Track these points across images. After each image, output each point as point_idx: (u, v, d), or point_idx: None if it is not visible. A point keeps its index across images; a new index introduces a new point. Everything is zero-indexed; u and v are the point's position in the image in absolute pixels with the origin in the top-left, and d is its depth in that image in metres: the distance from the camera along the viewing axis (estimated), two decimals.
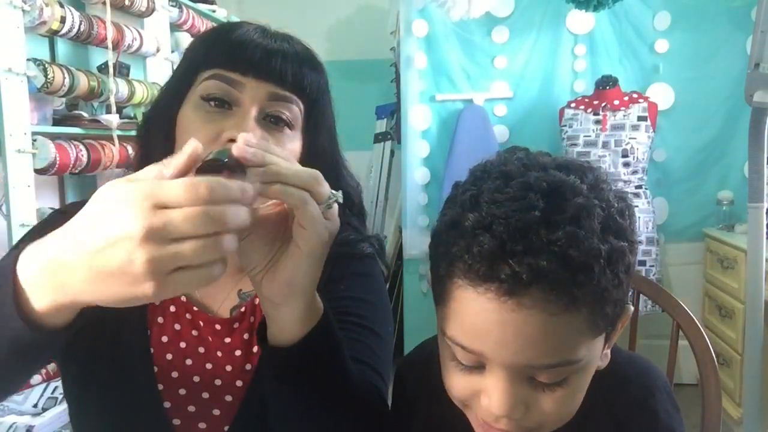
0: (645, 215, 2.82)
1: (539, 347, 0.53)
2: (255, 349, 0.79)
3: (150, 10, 2.29)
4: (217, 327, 0.80)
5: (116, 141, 2.03)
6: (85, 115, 2.03)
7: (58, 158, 1.77)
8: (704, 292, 2.99)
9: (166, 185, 0.46)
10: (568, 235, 0.51)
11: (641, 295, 1.24)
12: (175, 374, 0.79)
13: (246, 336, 0.80)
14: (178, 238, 0.45)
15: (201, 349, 0.80)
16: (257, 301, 0.81)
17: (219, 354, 0.79)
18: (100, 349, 0.76)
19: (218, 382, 0.78)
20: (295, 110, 0.77)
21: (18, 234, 1.71)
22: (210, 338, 0.80)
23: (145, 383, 0.77)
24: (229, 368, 0.79)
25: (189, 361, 0.79)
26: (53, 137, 1.82)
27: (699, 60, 3.00)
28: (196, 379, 0.78)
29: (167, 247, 0.45)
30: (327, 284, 0.81)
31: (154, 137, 0.79)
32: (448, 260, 0.55)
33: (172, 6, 2.52)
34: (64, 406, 1.64)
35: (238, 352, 0.79)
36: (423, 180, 3.21)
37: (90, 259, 0.46)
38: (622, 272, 0.54)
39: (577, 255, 0.50)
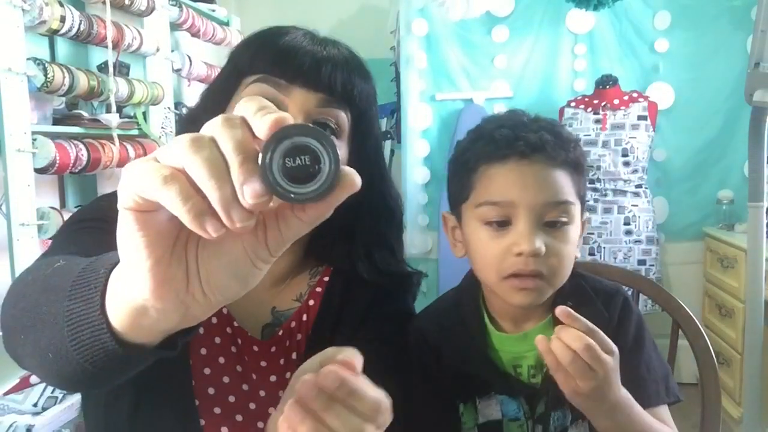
0: (645, 214, 2.82)
1: (549, 187, 0.79)
2: (288, 374, 0.75)
3: (150, 10, 2.29)
4: (255, 348, 0.76)
5: (116, 140, 2.03)
6: (85, 114, 2.03)
7: (58, 157, 1.77)
8: (704, 292, 2.99)
9: None
10: (550, 123, 0.84)
11: (641, 294, 1.23)
12: (211, 390, 0.74)
13: (282, 361, 0.76)
14: None
15: (239, 368, 0.75)
16: (293, 324, 0.79)
17: (254, 377, 0.75)
18: None
19: (252, 405, 0.74)
20: (342, 118, 0.75)
21: (18, 234, 1.71)
22: (247, 358, 0.76)
23: (182, 397, 0.72)
24: (262, 393, 0.75)
25: (226, 379, 0.75)
26: (53, 136, 1.81)
27: (699, 60, 3.00)
28: (232, 399, 0.74)
29: None
30: (363, 322, 0.81)
31: None
32: (475, 157, 0.83)
33: (171, 5, 2.52)
34: (64, 405, 1.64)
35: (273, 378, 0.76)
36: (423, 180, 3.21)
37: None
38: (584, 166, 0.85)
39: (563, 133, 0.83)
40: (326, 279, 0.84)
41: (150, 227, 0.38)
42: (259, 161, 0.35)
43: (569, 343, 0.68)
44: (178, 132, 0.82)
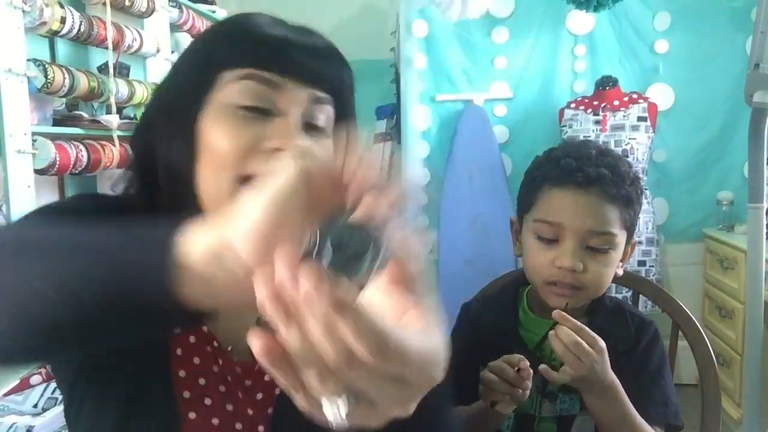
0: (645, 215, 2.82)
1: (596, 218, 0.93)
2: (277, 391, 0.71)
3: (150, 11, 2.29)
4: (237, 369, 0.72)
5: (116, 141, 2.03)
6: (85, 115, 2.03)
7: (58, 158, 1.77)
8: (704, 293, 2.99)
9: None
10: (614, 159, 0.97)
11: (641, 295, 1.24)
12: (192, 415, 0.69)
13: (267, 378, 0.72)
14: None
15: (222, 388, 0.71)
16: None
17: (240, 395, 0.71)
18: (117, 384, 0.67)
19: (239, 426, 0.71)
20: (330, 114, 0.70)
21: None
22: (230, 377, 0.72)
23: (166, 427, 0.67)
24: (250, 412, 0.71)
25: (208, 401, 0.70)
26: (53, 137, 1.81)
27: (699, 60, 3.00)
28: (215, 421, 0.70)
29: None
30: None
31: (166, 143, 0.68)
32: (541, 177, 0.97)
33: (172, 6, 2.52)
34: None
35: (259, 396, 0.72)
36: (423, 180, 3.21)
37: None
38: (637, 200, 0.96)
39: (621, 170, 0.94)
40: None
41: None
42: (311, 249, 0.40)
43: (563, 339, 0.85)
44: (142, 131, 0.74)
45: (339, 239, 0.39)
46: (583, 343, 0.85)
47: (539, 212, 0.97)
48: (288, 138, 0.64)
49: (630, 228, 0.97)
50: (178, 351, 0.70)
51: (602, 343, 0.87)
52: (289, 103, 0.66)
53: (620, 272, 1.00)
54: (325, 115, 0.69)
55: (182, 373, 0.70)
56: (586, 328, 0.87)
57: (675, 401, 0.98)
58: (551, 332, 0.88)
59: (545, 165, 0.99)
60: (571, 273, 0.93)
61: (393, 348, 0.35)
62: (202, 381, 0.70)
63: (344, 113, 0.73)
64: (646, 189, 2.87)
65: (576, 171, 0.93)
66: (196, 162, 0.66)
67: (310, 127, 0.67)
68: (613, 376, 0.89)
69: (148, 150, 0.71)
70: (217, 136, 0.64)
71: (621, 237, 0.95)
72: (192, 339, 0.71)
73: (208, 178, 0.65)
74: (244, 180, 0.63)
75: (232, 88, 0.65)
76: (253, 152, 0.64)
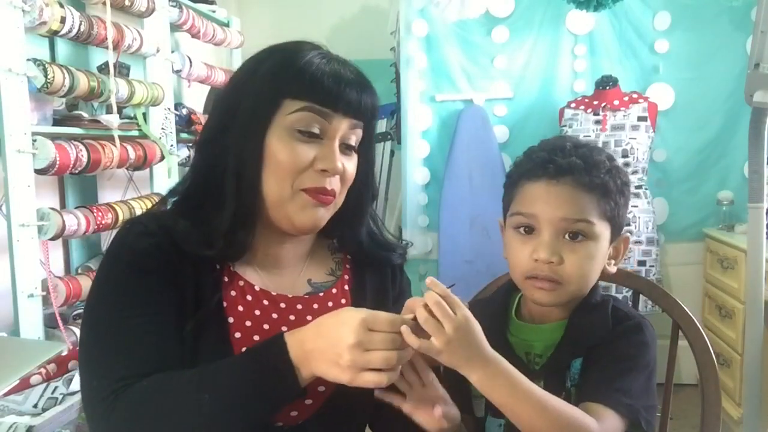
0: (645, 215, 2.82)
1: (569, 206, 0.91)
2: None
3: (150, 10, 2.29)
4: (299, 306, 0.91)
5: (117, 141, 2.03)
6: (85, 115, 2.03)
7: (58, 158, 1.77)
8: (704, 292, 2.99)
9: (379, 316, 0.74)
10: (589, 150, 0.96)
11: (641, 295, 1.24)
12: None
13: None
14: (372, 350, 0.72)
15: (284, 328, 0.86)
16: (335, 290, 0.96)
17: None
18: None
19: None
20: (359, 135, 0.90)
21: (18, 234, 1.71)
22: (292, 316, 0.89)
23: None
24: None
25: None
26: (53, 137, 1.81)
27: (699, 60, 3.00)
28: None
29: (365, 354, 0.72)
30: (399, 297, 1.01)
31: (238, 152, 0.84)
32: (517, 173, 0.98)
33: (172, 6, 2.52)
34: (65, 406, 1.64)
35: None
36: (423, 180, 3.21)
37: (324, 352, 0.73)
38: (617, 190, 0.94)
39: (595, 159, 0.94)
40: (348, 257, 1.01)
41: None
42: None
43: (427, 302, 0.78)
44: (200, 145, 0.91)
45: None
46: (446, 306, 0.78)
47: (516, 206, 0.96)
48: (333, 162, 0.84)
49: (613, 219, 0.94)
50: (240, 308, 0.87)
51: (466, 311, 0.80)
52: (335, 129, 0.85)
53: (612, 270, 0.98)
54: (356, 136, 0.89)
55: (249, 323, 0.87)
56: (452, 294, 0.80)
57: (640, 401, 0.88)
58: (420, 303, 0.79)
59: (522, 162, 0.99)
60: (548, 265, 0.91)
61: None
62: (266, 327, 0.88)
63: (369, 131, 0.92)
64: (646, 189, 2.87)
65: (548, 162, 0.93)
66: (263, 169, 0.84)
67: (346, 147, 0.87)
68: (492, 351, 0.81)
69: (218, 157, 0.86)
70: (282, 153, 0.83)
71: (601, 227, 0.93)
72: (249, 297, 0.88)
73: (272, 185, 0.84)
74: (301, 190, 0.84)
75: (296, 117, 0.83)
76: (308, 170, 0.84)
